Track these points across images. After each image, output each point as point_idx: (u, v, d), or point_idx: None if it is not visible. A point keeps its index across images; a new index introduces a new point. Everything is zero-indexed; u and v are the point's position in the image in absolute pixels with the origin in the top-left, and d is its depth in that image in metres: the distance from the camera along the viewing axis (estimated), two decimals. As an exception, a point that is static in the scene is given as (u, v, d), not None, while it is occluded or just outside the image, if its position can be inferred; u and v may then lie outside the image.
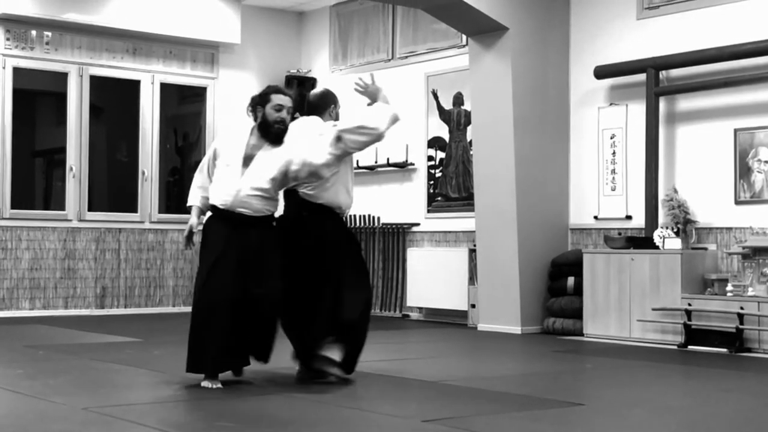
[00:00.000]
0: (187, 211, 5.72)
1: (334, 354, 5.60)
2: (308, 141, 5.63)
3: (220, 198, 5.48)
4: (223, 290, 5.32)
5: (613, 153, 9.07)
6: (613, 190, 9.06)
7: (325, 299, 5.61)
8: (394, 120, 5.76)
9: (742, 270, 7.86)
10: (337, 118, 5.89)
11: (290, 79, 11.76)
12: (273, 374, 5.82)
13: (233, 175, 5.47)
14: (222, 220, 5.47)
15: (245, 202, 5.45)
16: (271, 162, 5.49)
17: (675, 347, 7.87)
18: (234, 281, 5.35)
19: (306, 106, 5.97)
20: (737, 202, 8.20)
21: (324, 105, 5.90)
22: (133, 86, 11.15)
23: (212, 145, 5.77)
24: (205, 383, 5.37)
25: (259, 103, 5.57)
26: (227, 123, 11.52)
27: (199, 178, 5.70)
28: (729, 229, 8.24)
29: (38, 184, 11.79)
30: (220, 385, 5.35)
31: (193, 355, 5.38)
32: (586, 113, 9.33)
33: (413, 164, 10.73)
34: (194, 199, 5.67)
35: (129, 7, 10.78)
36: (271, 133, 5.52)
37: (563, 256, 9.10)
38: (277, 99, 5.54)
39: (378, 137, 5.72)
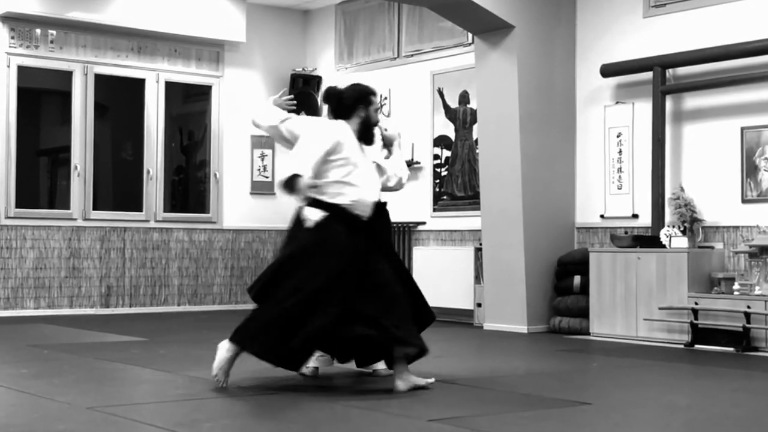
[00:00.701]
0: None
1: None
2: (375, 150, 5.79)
3: (347, 198, 5.34)
4: (335, 298, 5.22)
5: (620, 151, 9.04)
6: (620, 188, 9.03)
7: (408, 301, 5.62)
8: None
9: (749, 269, 7.83)
10: None
11: (295, 78, 11.74)
12: (277, 373, 5.80)
13: (362, 176, 5.40)
14: (340, 221, 5.31)
15: (367, 206, 5.41)
16: (374, 170, 5.57)
17: (682, 346, 7.85)
18: (347, 293, 5.26)
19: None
20: (744, 201, 8.17)
21: None
22: (138, 85, 11.14)
23: (324, 134, 5.35)
24: (217, 376, 5.34)
25: (361, 102, 5.46)
26: (233, 122, 11.54)
27: (315, 157, 5.26)
28: (736, 227, 8.21)
29: (43, 183, 11.78)
30: (225, 386, 5.33)
31: (278, 348, 5.25)
32: (592, 112, 9.31)
33: (419, 163, 10.71)
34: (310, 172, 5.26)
35: (134, 5, 10.76)
36: (372, 135, 5.52)
37: (569, 255, 9.07)
38: (377, 102, 5.54)
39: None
